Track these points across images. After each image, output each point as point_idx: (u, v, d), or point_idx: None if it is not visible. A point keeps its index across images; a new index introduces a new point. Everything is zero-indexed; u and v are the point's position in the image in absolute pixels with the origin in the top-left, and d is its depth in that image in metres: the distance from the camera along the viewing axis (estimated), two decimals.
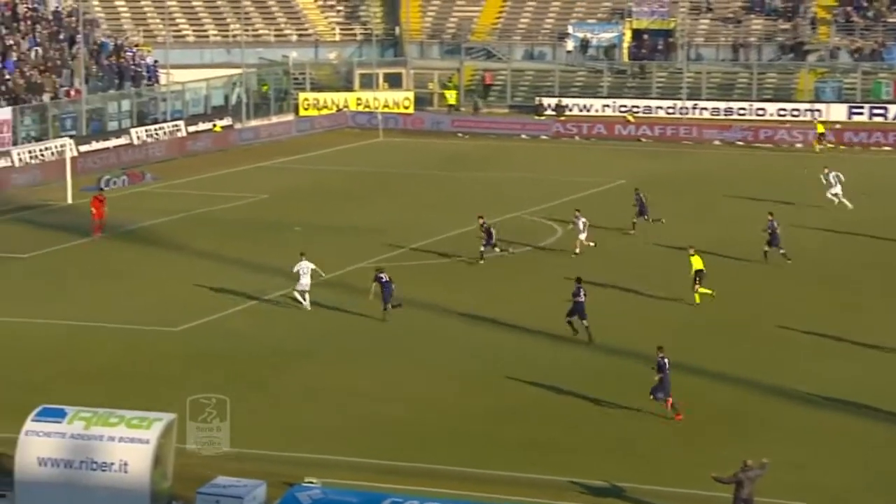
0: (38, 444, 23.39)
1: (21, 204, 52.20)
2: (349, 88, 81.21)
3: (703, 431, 28.38)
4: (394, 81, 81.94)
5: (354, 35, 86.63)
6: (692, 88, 77.64)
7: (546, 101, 78.09)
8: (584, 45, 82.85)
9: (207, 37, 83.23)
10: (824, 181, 51.50)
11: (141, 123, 66.77)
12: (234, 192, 55.55)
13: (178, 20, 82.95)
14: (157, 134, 66.44)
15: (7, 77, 61.87)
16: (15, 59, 63.74)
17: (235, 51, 77.81)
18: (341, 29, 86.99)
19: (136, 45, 75.85)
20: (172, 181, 58.37)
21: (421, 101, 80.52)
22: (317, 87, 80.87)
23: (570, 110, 77.65)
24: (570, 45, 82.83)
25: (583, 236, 43.59)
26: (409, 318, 36.65)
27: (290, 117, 76.27)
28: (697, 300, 37.55)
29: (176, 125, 67.96)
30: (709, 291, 37.73)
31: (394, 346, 34.25)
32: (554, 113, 76.91)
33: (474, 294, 39.06)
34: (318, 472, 25.08)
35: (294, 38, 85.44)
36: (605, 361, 32.87)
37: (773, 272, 41.65)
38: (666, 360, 28.98)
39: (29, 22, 67.75)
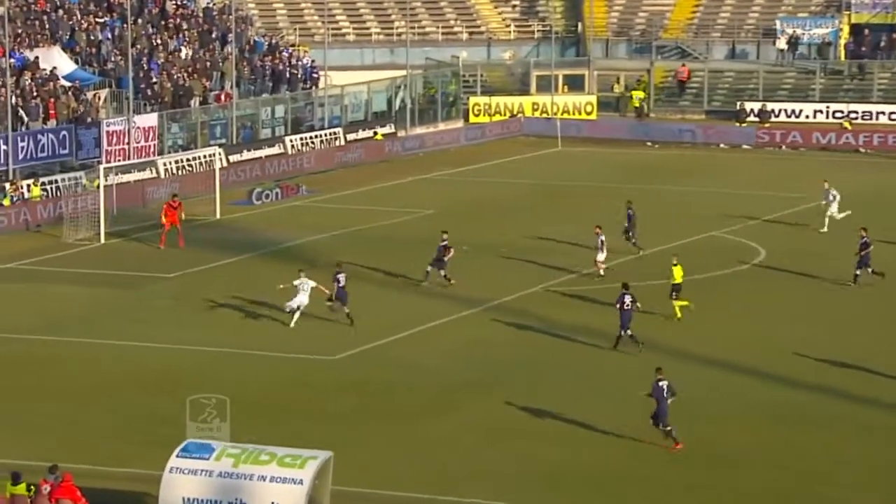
0: (183, 483, 23.88)
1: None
2: (525, 92, 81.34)
3: None
4: (575, 84, 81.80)
5: (531, 32, 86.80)
6: None
7: (749, 105, 77.05)
8: (793, 42, 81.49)
9: (369, 35, 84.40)
10: (823, 199, 50.48)
11: (296, 131, 67.91)
12: (397, 206, 56.08)
13: (337, 17, 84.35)
14: (313, 142, 67.53)
15: (153, 80, 63.57)
16: (161, 60, 65.47)
17: (400, 50, 78.68)
18: (517, 26, 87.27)
19: (292, 45, 77.28)
20: (329, 194, 59.21)
21: (605, 106, 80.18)
22: (489, 91, 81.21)
23: (777, 116, 76.41)
24: (781, 42, 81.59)
25: (601, 257, 43.34)
26: (587, 348, 36.49)
27: (459, 124, 76.75)
28: (678, 315, 38.33)
29: (334, 133, 68.98)
30: (685, 303, 38.67)
31: (572, 378, 34.19)
32: (757, 119, 75.80)
33: (647, 318, 38.80)
34: None
35: (464, 36, 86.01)
36: (799, 397, 32.40)
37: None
38: (663, 384, 28.98)
39: (177, 20, 69.59)
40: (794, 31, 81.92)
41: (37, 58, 60.15)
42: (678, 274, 39.21)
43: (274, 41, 74.82)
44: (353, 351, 36.43)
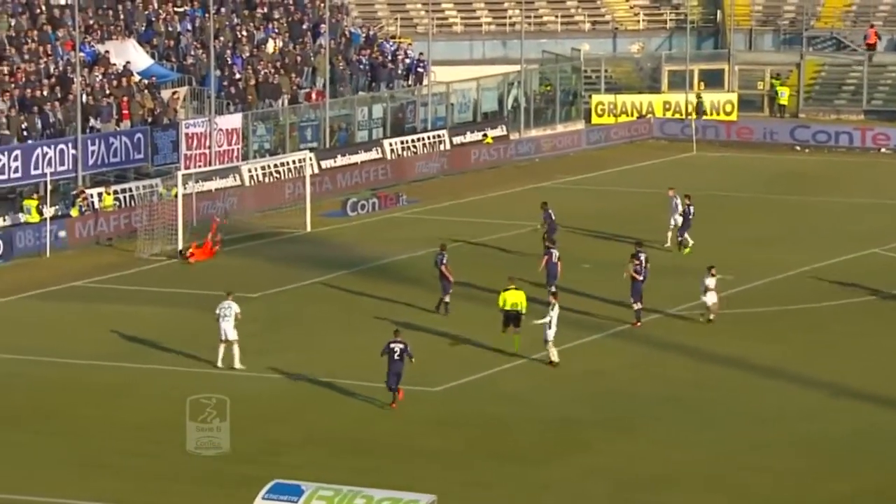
0: None
1: (251, 231, 53.96)
2: (655, 89, 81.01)
3: None
4: (713, 80, 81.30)
5: (663, 22, 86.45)
6: None
7: None
8: None
9: (479, 26, 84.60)
10: (673, 206, 50.69)
11: (396, 134, 68.22)
12: (508, 218, 56.04)
13: (443, 5, 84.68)
14: (414, 146, 67.79)
15: (237, 76, 64.21)
16: (246, 54, 66.10)
17: (513, 43, 78.75)
18: (646, 15, 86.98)
19: (393, 37, 77.65)
20: (432, 205, 59.37)
21: (748, 105, 79.61)
22: (614, 88, 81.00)
23: None
24: None
25: (710, 299, 41.88)
26: (728, 382, 36.15)
27: (580, 126, 76.63)
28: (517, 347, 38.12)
29: (438, 136, 69.18)
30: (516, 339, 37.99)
31: (713, 418, 33.99)
32: None
33: (798, 348, 38.66)
34: None
35: (587, 26, 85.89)
36: None
37: None
38: (396, 346, 33.59)
39: (265, 9, 70.26)
40: None
41: (108, 52, 61.05)
42: (511, 298, 38.32)
43: (372, 32, 75.23)
44: (457, 382, 36.42)
